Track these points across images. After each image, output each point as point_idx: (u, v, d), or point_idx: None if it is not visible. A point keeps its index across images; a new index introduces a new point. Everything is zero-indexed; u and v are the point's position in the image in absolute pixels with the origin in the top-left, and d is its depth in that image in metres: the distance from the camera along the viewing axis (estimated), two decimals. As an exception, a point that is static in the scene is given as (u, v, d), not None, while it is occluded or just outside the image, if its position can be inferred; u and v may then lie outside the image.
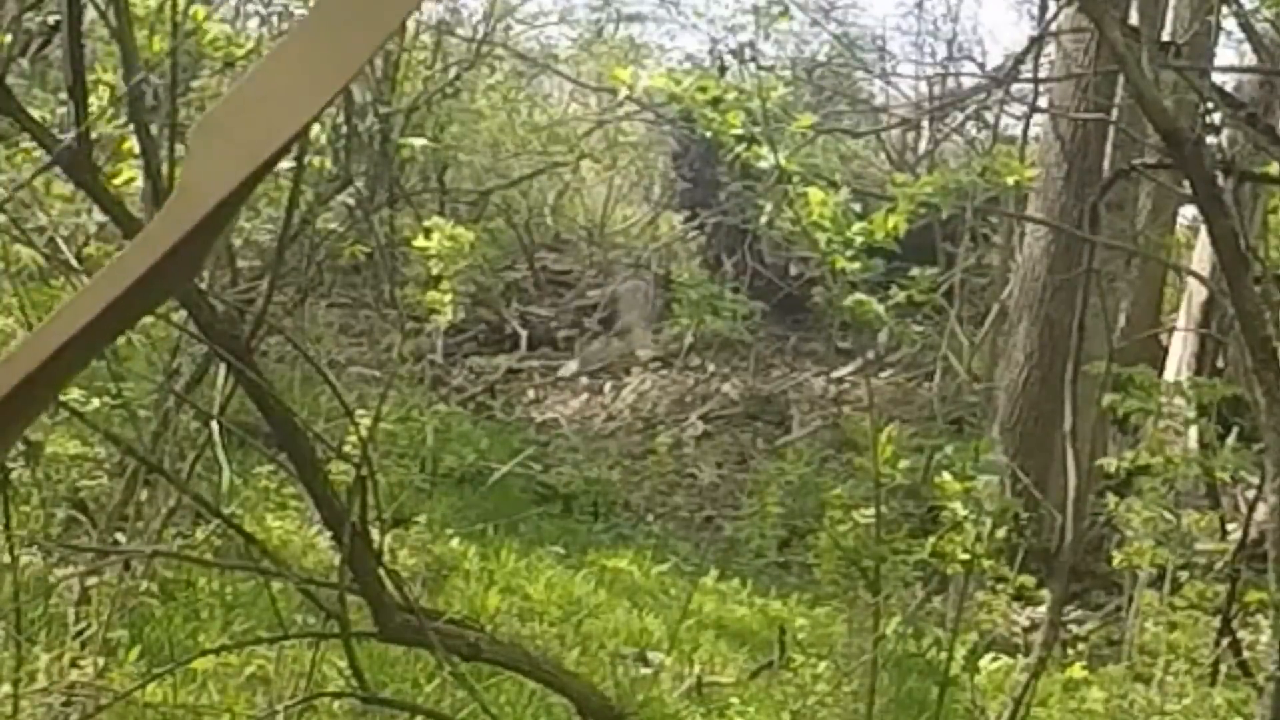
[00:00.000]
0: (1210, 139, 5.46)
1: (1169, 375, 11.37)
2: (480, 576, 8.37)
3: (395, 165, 13.31)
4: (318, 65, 0.93)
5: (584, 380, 14.85)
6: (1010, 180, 5.24)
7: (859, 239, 4.81)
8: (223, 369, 4.93)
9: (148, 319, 5.44)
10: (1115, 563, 7.47)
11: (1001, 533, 5.35)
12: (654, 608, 8.46)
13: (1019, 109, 12.27)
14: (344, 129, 8.30)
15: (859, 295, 4.88)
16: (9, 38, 4.80)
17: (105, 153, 5.27)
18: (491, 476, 11.37)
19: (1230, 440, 8.51)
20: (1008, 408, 10.81)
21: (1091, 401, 6.03)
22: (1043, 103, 10.72)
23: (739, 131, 4.77)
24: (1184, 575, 7.35)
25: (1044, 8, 13.88)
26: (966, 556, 5.28)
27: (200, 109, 9.72)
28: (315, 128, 6.01)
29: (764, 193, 5.00)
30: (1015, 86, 11.48)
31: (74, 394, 5.31)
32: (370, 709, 5.14)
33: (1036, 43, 10.99)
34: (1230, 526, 9.15)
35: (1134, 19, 7.94)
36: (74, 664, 5.29)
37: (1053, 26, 11.33)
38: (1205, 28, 9.90)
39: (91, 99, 4.30)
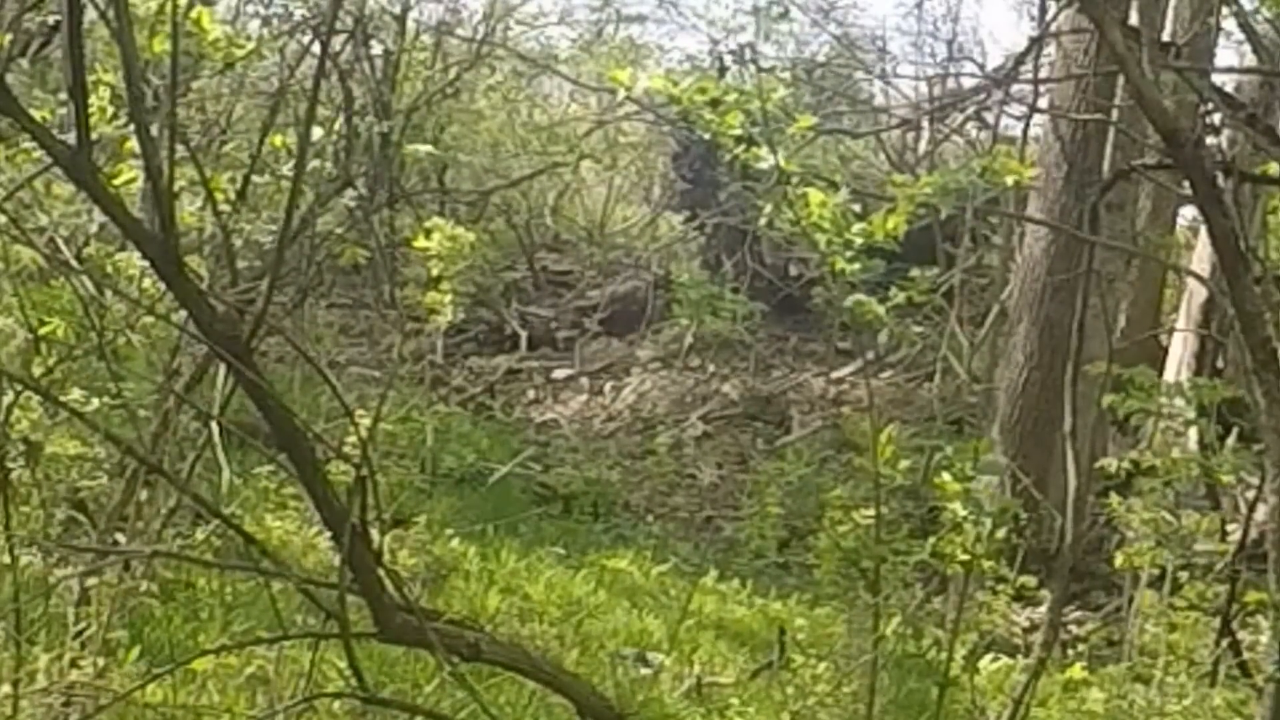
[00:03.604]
0: (1210, 139, 5.46)
1: (1169, 376, 11.37)
2: (480, 577, 8.37)
3: (395, 166, 13.32)
4: None
5: (584, 380, 14.85)
6: (1010, 180, 5.23)
7: (859, 240, 4.80)
8: (223, 369, 4.92)
9: (148, 319, 5.45)
10: (1115, 563, 7.46)
11: (1001, 533, 5.34)
12: (654, 608, 8.45)
13: (1019, 109, 12.27)
14: (344, 130, 8.30)
15: (859, 296, 4.87)
16: (9, 38, 4.80)
17: (105, 153, 5.27)
18: (491, 477, 11.38)
19: (1230, 441, 8.51)
20: (1008, 408, 10.81)
21: (1091, 402, 6.03)
22: (1043, 103, 10.72)
23: (738, 132, 4.77)
24: (1184, 576, 7.35)
25: (1044, 8, 13.88)
26: (966, 557, 5.27)
27: (200, 109, 9.73)
28: (316, 129, 6.00)
29: (764, 193, 5.00)
30: (1015, 87, 11.48)
31: (74, 394, 5.32)
32: (370, 709, 5.13)
33: (1036, 43, 10.99)
34: (1230, 527, 9.15)
35: (1134, 19, 7.93)
36: (74, 664, 5.28)
37: (1053, 27, 11.33)
38: (1205, 28, 9.91)
39: (91, 99, 4.31)
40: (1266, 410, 4.06)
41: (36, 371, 5.35)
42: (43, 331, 5.38)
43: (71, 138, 3.55)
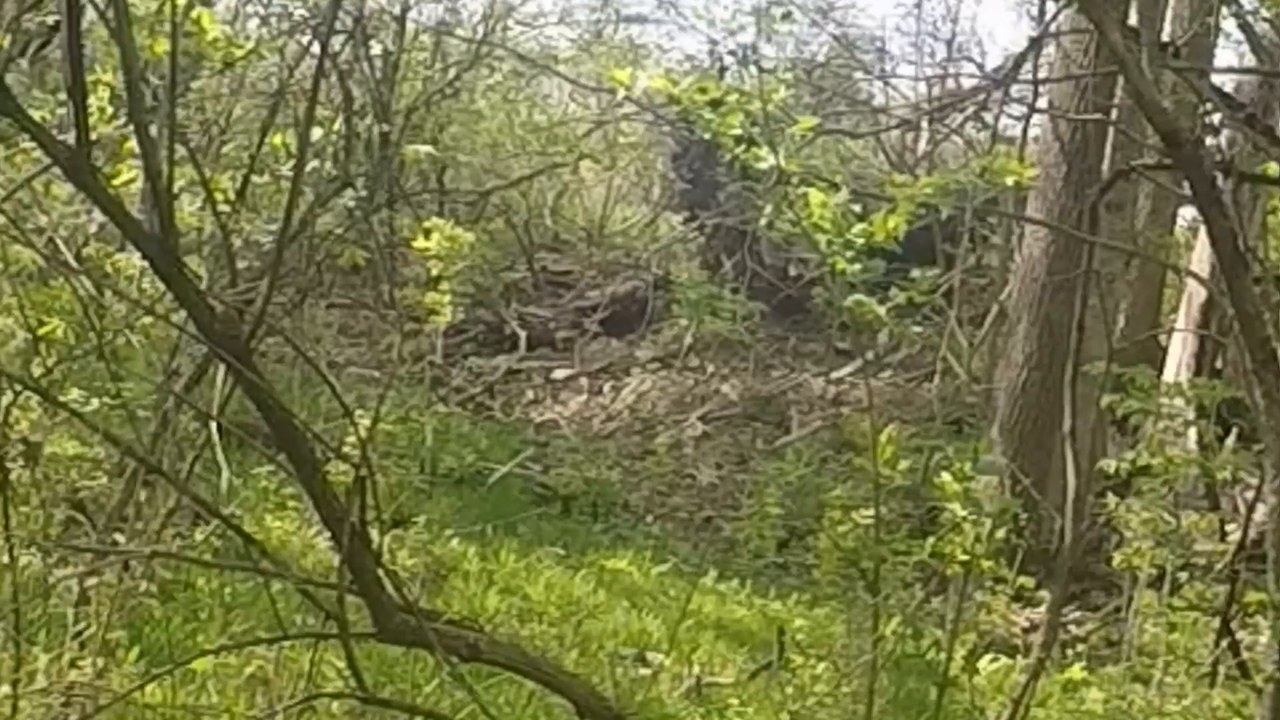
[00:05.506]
0: (1210, 140, 5.47)
1: (1168, 376, 11.36)
2: (480, 577, 8.37)
3: (394, 166, 13.32)
4: None
5: (583, 381, 14.84)
6: (1009, 181, 5.23)
7: (859, 240, 4.80)
8: (222, 369, 4.92)
9: (147, 319, 5.45)
10: (1115, 564, 7.46)
11: (1001, 534, 5.34)
12: (653, 608, 8.46)
13: (1018, 110, 12.27)
14: (343, 130, 8.30)
15: (859, 296, 4.87)
16: (9, 38, 4.80)
17: (105, 153, 5.27)
18: (491, 477, 11.38)
19: (1230, 441, 8.51)
20: (1007, 408, 10.80)
21: (1091, 402, 6.03)
22: (1042, 103, 10.72)
23: (737, 133, 4.76)
24: (1183, 576, 7.35)
25: (1044, 8, 13.90)
26: (966, 557, 5.27)
27: (200, 109, 9.74)
28: (315, 130, 6.01)
29: (763, 194, 5.00)
30: (1015, 87, 11.48)
31: (74, 394, 5.32)
32: (369, 710, 5.14)
33: (1036, 43, 10.99)
34: (1229, 528, 9.15)
35: (1134, 20, 7.93)
36: (73, 664, 5.28)
37: (1052, 27, 11.34)
38: (1205, 28, 9.91)
39: (91, 99, 4.30)
40: (1266, 410, 4.06)
41: (36, 372, 5.34)
42: (42, 331, 5.38)
43: (71, 138, 3.55)
